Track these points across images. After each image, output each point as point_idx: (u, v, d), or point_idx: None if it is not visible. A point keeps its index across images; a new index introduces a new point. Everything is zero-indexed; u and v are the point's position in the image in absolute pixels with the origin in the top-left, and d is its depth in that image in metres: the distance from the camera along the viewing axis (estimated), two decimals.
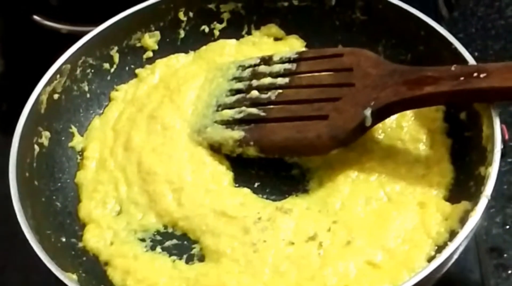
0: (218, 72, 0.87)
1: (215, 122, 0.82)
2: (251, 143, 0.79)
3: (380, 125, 0.78)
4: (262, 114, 0.80)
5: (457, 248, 0.65)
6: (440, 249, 0.69)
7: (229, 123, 0.81)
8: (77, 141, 0.84)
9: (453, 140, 0.78)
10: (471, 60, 0.76)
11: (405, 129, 0.79)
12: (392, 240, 0.71)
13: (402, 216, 0.73)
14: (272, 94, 0.81)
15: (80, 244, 0.76)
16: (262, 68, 0.84)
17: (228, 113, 0.82)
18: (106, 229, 0.77)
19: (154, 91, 0.88)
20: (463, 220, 0.68)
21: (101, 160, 0.83)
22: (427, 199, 0.73)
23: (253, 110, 0.80)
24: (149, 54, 0.91)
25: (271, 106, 0.80)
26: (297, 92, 0.80)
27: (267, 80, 0.82)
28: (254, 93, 0.82)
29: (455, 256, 0.66)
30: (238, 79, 0.85)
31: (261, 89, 0.82)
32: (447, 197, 0.74)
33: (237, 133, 0.80)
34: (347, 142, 0.75)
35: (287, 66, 0.82)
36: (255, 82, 0.83)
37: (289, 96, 0.80)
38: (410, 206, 0.73)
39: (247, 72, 0.85)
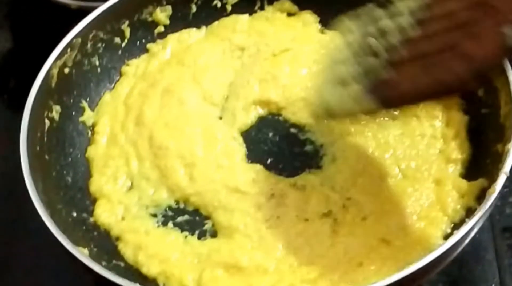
0: None
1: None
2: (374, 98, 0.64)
3: None
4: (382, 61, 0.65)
5: (474, 226, 0.64)
6: (456, 226, 0.68)
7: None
8: (88, 116, 0.84)
9: (470, 117, 0.77)
10: None
11: (421, 105, 0.78)
12: (407, 217, 0.70)
13: (418, 193, 0.72)
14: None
15: (91, 219, 0.76)
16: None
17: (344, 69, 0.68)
18: (117, 204, 0.76)
19: (167, 67, 0.87)
20: (479, 198, 0.67)
21: (112, 135, 0.82)
22: (443, 176, 0.73)
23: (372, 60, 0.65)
24: (161, 29, 0.90)
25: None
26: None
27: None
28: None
29: (472, 234, 0.65)
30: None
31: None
32: (464, 174, 0.73)
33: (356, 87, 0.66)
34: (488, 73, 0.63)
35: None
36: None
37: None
38: (425, 183, 0.73)
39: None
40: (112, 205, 0.76)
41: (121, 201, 0.77)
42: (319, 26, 0.89)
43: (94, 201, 0.77)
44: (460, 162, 0.74)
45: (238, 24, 0.90)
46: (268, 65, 0.85)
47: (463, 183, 0.72)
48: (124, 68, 0.88)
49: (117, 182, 0.78)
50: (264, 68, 0.85)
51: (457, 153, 0.74)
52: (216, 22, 0.91)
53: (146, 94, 0.84)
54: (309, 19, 0.90)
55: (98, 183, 0.78)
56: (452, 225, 0.69)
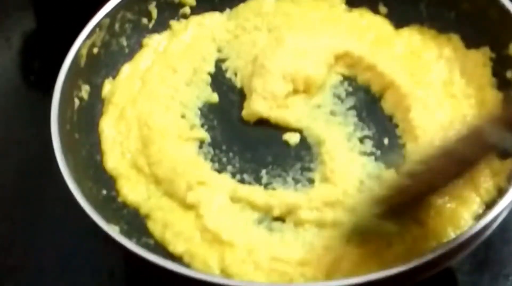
0: None
1: None
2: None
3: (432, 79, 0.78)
4: None
5: (505, 207, 0.64)
6: (488, 207, 0.68)
7: None
8: (107, 89, 0.83)
9: (504, 94, 0.77)
10: None
11: (456, 85, 0.78)
12: (439, 195, 0.70)
13: None
14: None
15: (120, 198, 0.76)
16: None
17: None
18: (136, 183, 0.76)
19: (189, 50, 0.87)
20: (510, 178, 0.67)
21: (123, 108, 0.82)
22: None
23: None
24: (187, 10, 0.90)
25: None
26: None
27: None
28: None
29: (503, 215, 0.66)
30: None
31: None
32: (498, 152, 0.72)
33: None
34: None
35: None
36: None
37: None
38: None
39: None
40: (132, 183, 0.76)
41: (138, 180, 0.77)
42: (345, 6, 0.89)
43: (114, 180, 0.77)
44: None
45: (263, 7, 0.90)
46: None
47: (496, 161, 0.71)
48: (146, 40, 0.87)
49: (126, 159, 0.78)
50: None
51: None
52: (241, 4, 0.91)
53: (164, 75, 0.84)
54: (335, 1, 0.89)
55: (111, 161, 0.78)
56: (484, 206, 0.69)
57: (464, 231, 0.63)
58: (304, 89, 0.82)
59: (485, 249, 0.75)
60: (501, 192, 0.67)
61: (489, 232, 0.65)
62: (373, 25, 0.87)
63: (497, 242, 0.76)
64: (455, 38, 0.83)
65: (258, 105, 0.80)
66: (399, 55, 0.83)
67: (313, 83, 0.82)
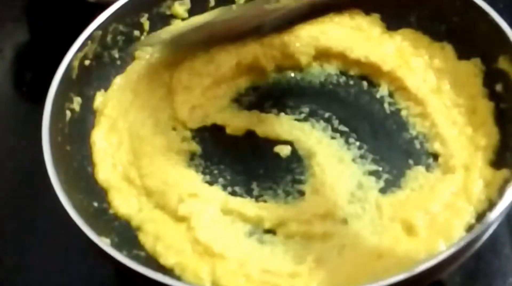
0: None
1: None
2: None
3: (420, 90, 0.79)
4: None
5: (495, 220, 0.64)
6: (479, 217, 0.68)
7: None
8: (99, 101, 0.83)
9: (495, 104, 0.77)
10: (509, 32, 0.75)
11: (445, 94, 0.79)
12: (436, 204, 0.70)
13: (448, 179, 0.73)
14: None
15: (111, 210, 0.76)
16: None
17: None
18: (127, 195, 0.76)
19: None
20: (502, 189, 0.67)
21: (114, 120, 0.82)
22: (472, 163, 0.73)
23: None
24: (179, 22, 0.90)
25: None
26: None
27: None
28: None
29: (493, 228, 0.66)
30: None
31: None
32: (493, 161, 0.73)
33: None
34: None
35: None
36: None
37: None
38: (456, 170, 0.73)
39: None
40: (124, 196, 0.76)
41: (130, 192, 0.77)
42: None
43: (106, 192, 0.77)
44: (490, 148, 0.74)
45: None
46: None
47: (490, 171, 0.72)
48: (138, 53, 0.87)
49: (117, 171, 0.78)
50: None
51: (485, 139, 0.75)
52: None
53: (155, 87, 0.84)
54: None
55: (102, 173, 0.78)
56: (476, 217, 0.69)
57: (454, 244, 0.63)
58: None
59: (475, 262, 0.75)
60: (492, 204, 0.67)
61: (479, 244, 0.66)
62: (364, 25, 0.87)
63: (487, 255, 0.76)
64: (448, 47, 0.83)
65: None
66: (390, 55, 0.84)
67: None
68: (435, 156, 0.76)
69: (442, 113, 0.78)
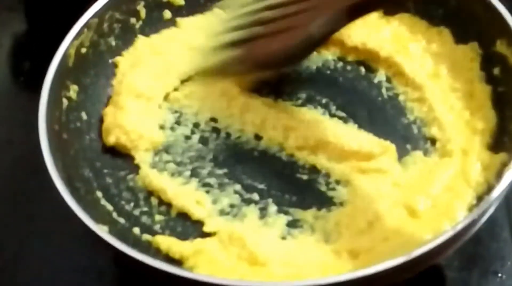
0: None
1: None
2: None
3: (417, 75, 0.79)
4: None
5: (492, 203, 0.64)
6: (479, 200, 0.68)
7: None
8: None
9: (493, 87, 0.77)
10: (507, 16, 0.75)
11: (443, 79, 0.79)
12: (435, 188, 0.71)
13: (446, 162, 0.73)
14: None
15: None
16: None
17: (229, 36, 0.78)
18: None
19: None
20: (500, 173, 0.67)
21: None
22: (470, 146, 0.73)
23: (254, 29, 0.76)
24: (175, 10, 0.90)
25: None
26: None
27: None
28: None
29: (491, 211, 0.66)
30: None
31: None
32: (490, 144, 0.73)
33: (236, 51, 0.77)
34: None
35: None
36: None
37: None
38: (454, 154, 0.73)
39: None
40: None
41: None
42: None
43: None
44: (488, 131, 0.74)
45: None
46: None
47: (487, 155, 0.72)
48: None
49: None
50: None
51: (482, 123, 0.75)
52: None
53: None
54: None
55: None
56: (476, 198, 0.69)
57: (451, 228, 0.63)
58: None
59: (474, 245, 0.75)
60: (490, 187, 0.67)
61: (477, 227, 0.66)
62: None
63: (485, 239, 0.76)
64: (446, 31, 0.83)
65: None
66: (387, 41, 0.84)
67: None
68: (433, 141, 0.76)
69: (439, 98, 0.78)
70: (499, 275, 0.75)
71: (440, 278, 0.74)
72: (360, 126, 0.79)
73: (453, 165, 0.72)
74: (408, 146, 0.76)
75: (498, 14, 0.76)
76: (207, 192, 0.75)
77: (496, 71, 0.77)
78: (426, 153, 0.75)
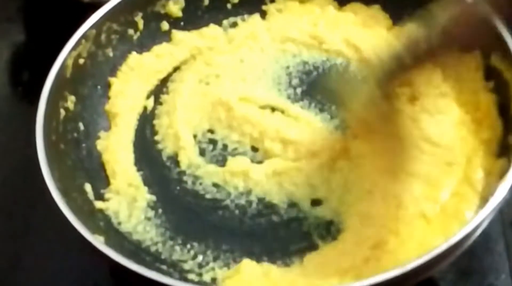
0: None
1: None
2: None
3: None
4: None
5: (487, 216, 0.65)
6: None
7: None
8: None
9: (498, 96, 0.77)
10: (502, 29, 0.75)
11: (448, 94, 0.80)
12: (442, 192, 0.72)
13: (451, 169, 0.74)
14: None
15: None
16: None
17: None
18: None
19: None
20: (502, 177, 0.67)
21: None
22: (475, 155, 0.74)
23: None
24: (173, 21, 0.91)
25: None
26: None
27: None
28: None
29: (485, 224, 0.66)
30: None
31: None
32: (495, 150, 0.74)
33: None
34: None
35: None
36: None
37: None
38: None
39: None
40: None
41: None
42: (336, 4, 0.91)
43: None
44: (495, 138, 0.75)
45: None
46: None
47: (491, 160, 0.73)
48: None
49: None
50: None
51: (488, 133, 0.75)
52: None
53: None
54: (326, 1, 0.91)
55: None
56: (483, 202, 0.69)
57: (445, 242, 0.63)
58: None
59: (469, 259, 0.76)
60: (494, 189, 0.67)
61: (470, 242, 0.66)
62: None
63: (480, 252, 0.77)
64: None
65: None
66: None
67: None
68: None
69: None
70: None
71: None
72: None
73: (458, 172, 0.73)
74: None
75: (493, 27, 0.76)
76: None
77: (490, 85, 0.77)
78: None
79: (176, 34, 0.90)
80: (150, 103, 0.86)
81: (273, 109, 0.83)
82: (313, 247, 0.71)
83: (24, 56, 1.04)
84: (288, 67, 0.87)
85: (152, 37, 0.89)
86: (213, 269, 0.71)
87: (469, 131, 0.76)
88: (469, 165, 0.73)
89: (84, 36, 0.82)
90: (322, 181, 0.76)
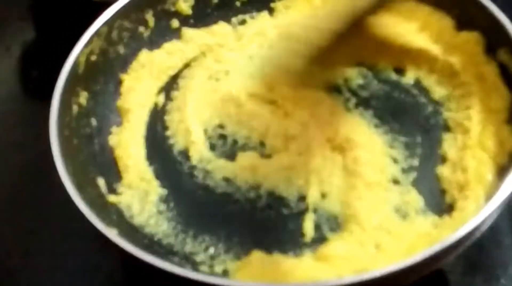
0: None
1: None
2: None
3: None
4: None
5: (495, 210, 0.65)
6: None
7: None
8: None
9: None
10: (508, 25, 0.76)
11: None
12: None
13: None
14: None
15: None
16: None
17: None
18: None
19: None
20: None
21: None
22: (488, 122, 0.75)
23: None
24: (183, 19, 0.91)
25: None
26: None
27: None
28: None
29: (494, 217, 0.67)
30: None
31: None
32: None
33: None
34: None
35: None
36: None
37: None
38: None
39: None
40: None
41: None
42: None
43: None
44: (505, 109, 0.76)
45: None
46: None
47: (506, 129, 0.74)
48: None
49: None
50: None
51: (497, 102, 0.76)
52: None
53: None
54: None
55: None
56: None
57: (454, 234, 0.64)
58: None
59: (477, 252, 0.77)
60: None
61: (478, 234, 0.66)
62: None
63: (488, 246, 0.77)
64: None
65: None
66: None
67: None
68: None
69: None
70: (502, 281, 0.76)
71: (443, 282, 0.76)
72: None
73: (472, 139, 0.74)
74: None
75: (499, 24, 0.77)
76: None
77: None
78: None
79: (186, 31, 0.91)
80: (161, 99, 0.86)
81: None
82: (323, 239, 0.72)
83: (35, 54, 1.05)
84: None
85: (163, 34, 0.90)
86: (224, 261, 0.72)
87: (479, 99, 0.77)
88: (483, 132, 0.74)
89: (96, 33, 0.83)
90: (328, 174, 0.76)
